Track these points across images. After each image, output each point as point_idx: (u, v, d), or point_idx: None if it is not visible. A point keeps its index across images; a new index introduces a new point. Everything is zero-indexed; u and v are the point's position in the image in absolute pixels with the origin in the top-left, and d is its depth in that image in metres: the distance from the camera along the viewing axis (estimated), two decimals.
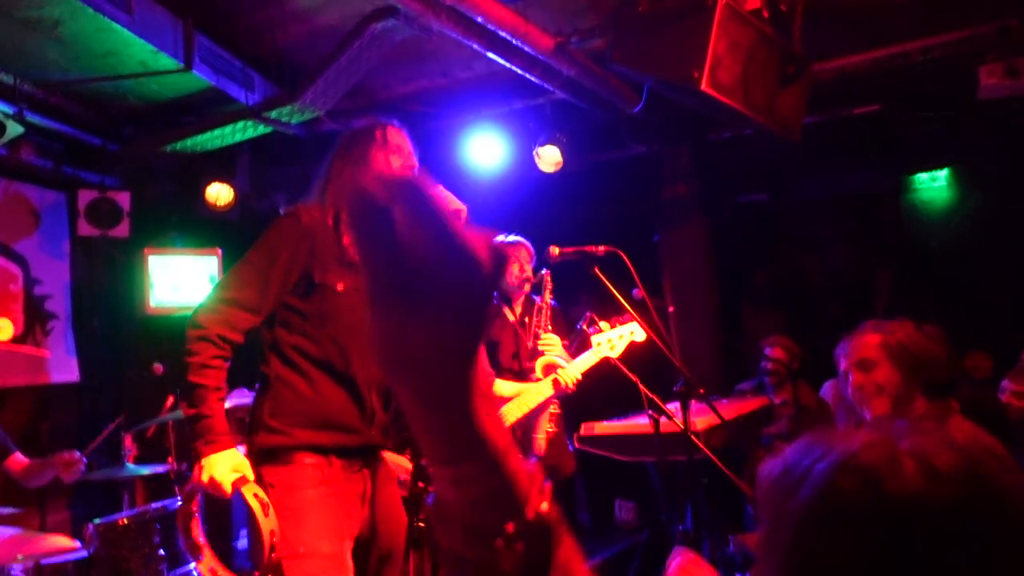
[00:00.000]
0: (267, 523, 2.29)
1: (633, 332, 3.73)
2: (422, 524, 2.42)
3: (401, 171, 2.69)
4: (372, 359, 2.50)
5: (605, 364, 3.63)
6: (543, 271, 3.61)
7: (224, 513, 5.14)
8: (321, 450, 2.50)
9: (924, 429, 0.83)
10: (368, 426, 2.59)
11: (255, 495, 2.32)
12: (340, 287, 2.56)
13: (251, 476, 2.35)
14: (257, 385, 2.59)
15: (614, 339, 3.62)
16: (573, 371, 3.58)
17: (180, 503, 2.61)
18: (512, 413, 3.44)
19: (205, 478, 2.32)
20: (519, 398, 3.49)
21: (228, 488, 2.32)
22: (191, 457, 2.42)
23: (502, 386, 3.62)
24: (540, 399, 3.53)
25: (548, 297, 3.73)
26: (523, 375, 3.57)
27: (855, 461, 0.80)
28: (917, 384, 2.23)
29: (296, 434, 2.48)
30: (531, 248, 4.02)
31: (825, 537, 0.79)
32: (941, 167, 6.57)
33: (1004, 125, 5.64)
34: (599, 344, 3.52)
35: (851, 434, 0.84)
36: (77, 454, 3.81)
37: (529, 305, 4.07)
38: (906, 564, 0.76)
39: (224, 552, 4.67)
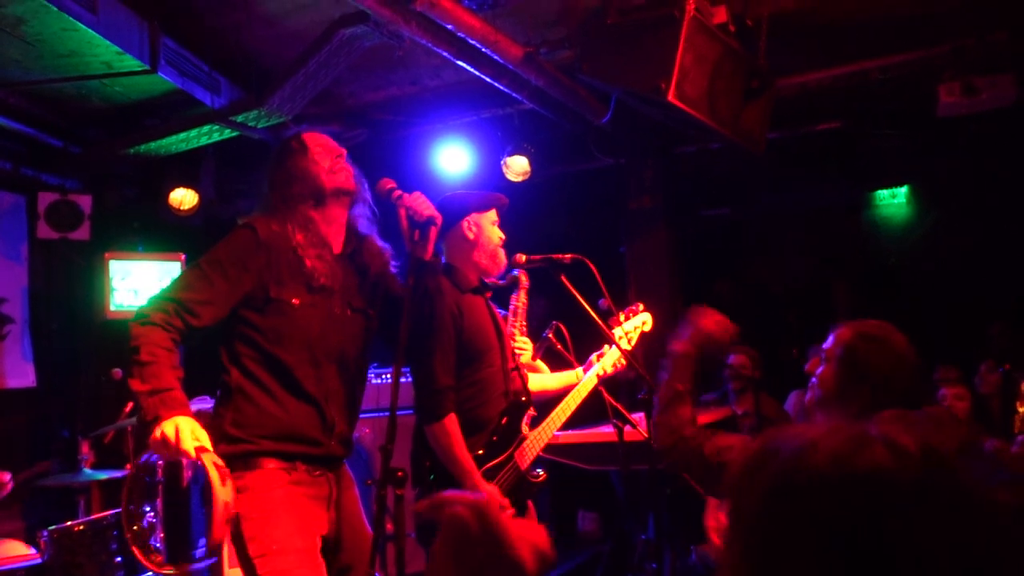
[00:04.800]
0: (223, 492, 2.20)
1: (645, 322, 3.64)
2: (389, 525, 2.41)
3: (333, 171, 2.71)
4: (329, 372, 2.49)
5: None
6: (515, 271, 3.53)
7: (182, 522, 5.06)
8: (286, 456, 2.51)
9: (889, 421, 0.88)
10: (328, 438, 2.61)
11: (215, 464, 2.24)
12: (296, 302, 2.57)
13: (210, 447, 2.28)
14: (218, 394, 2.57)
15: (630, 331, 3.57)
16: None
17: (130, 471, 2.53)
18: (560, 417, 3.37)
19: (171, 433, 2.21)
20: (569, 397, 3.39)
21: (191, 449, 2.22)
22: (144, 432, 2.30)
23: (545, 379, 3.49)
24: (582, 397, 3.43)
25: (523, 297, 3.65)
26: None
27: (825, 441, 0.84)
28: (861, 390, 2.25)
29: (259, 443, 2.49)
30: None
31: (791, 511, 0.82)
32: (900, 184, 6.70)
33: (961, 143, 5.78)
34: (620, 338, 3.46)
35: (819, 425, 0.87)
36: (7, 476, 3.74)
37: None
38: (872, 538, 0.78)
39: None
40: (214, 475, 2.21)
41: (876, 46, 5.00)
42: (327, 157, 2.73)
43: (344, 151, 2.79)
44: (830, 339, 2.32)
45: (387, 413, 2.32)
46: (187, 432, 2.24)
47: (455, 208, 3.31)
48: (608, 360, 3.47)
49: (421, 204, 2.62)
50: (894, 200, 6.82)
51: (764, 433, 0.91)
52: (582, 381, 3.42)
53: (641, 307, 3.68)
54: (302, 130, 2.82)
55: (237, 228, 2.63)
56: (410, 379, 3.03)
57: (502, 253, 3.30)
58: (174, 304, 2.44)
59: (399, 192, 2.66)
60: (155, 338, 2.37)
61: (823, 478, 0.81)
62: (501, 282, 3.47)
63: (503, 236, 3.33)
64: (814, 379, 2.36)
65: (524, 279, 3.58)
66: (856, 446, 0.82)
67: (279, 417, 2.51)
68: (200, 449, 2.25)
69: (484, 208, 3.30)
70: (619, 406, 3.45)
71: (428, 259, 2.66)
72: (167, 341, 2.39)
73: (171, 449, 2.23)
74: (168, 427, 2.23)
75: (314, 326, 2.59)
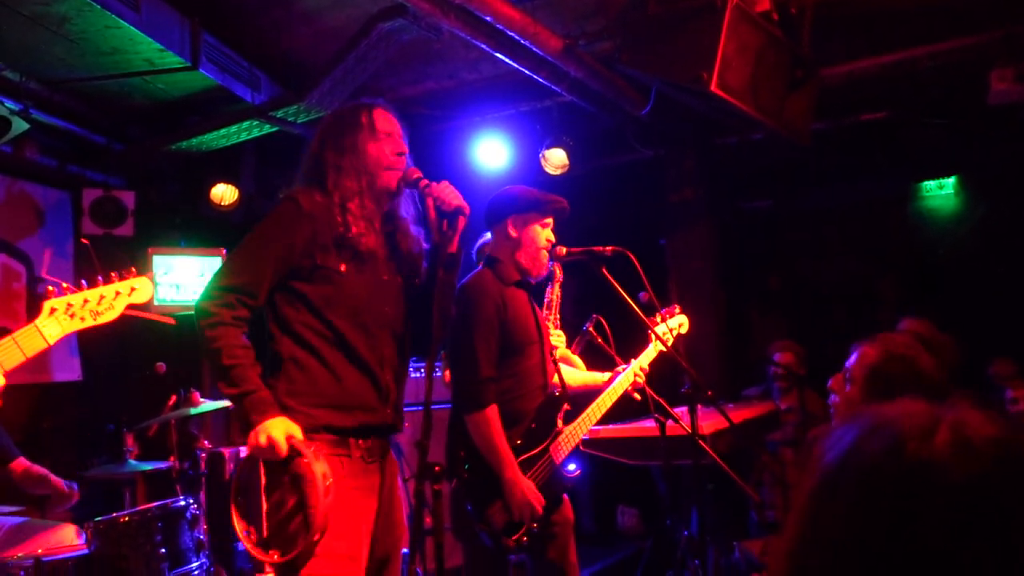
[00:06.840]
0: (319, 466, 2.38)
1: (682, 324, 3.66)
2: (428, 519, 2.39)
3: (393, 159, 2.66)
4: (381, 339, 2.47)
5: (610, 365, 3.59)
6: (551, 263, 3.50)
7: (225, 514, 5.12)
8: (341, 432, 2.48)
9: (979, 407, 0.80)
10: (384, 405, 2.59)
11: (307, 443, 2.41)
12: (343, 268, 2.55)
13: (301, 438, 2.40)
14: (268, 368, 2.56)
15: (667, 332, 3.57)
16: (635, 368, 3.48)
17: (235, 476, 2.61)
18: (595, 413, 3.37)
19: (263, 440, 2.33)
20: (604, 395, 3.39)
21: (284, 446, 2.35)
22: (243, 430, 2.42)
23: (571, 375, 3.50)
24: (617, 395, 3.43)
25: (557, 290, 3.62)
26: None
27: (890, 426, 0.78)
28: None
29: (315, 414, 2.46)
30: None
31: (841, 498, 0.77)
32: (948, 175, 6.54)
33: (1011, 132, 5.63)
34: (660, 335, 3.45)
35: (895, 406, 0.82)
36: (74, 487, 3.84)
37: None
38: (916, 532, 0.73)
39: (226, 553, 4.64)
40: (309, 454, 2.39)
41: (925, 33, 4.88)
42: (392, 146, 2.68)
43: (407, 149, 2.72)
44: (853, 357, 2.26)
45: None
46: (278, 434, 2.35)
47: (504, 205, 3.28)
48: (635, 368, 3.45)
49: (449, 194, 2.56)
50: (942, 191, 6.66)
51: (854, 415, 0.85)
52: (616, 380, 3.41)
53: (678, 309, 3.66)
54: (371, 104, 2.72)
55: (279, 202, 2.62)
56: (438, 374, 3.02)
57: (544, 256, 3.27)
58: (234, 294, 2.45)
59: (426, 181, 2.62)
60: (231, 339, 2.41)
61: (872, 468, 0.76)
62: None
63: (552, 239, 3.29)
64: (834, 397, 2.31)
65: (558, 272, 3.56)
66: (920, 433, 0.76)
67: (333, 384, 2.49)
68: (296, 443, 2.39)
69: (536, 212, 3.25)
70: (662, 400, 3.42)
71: (454, 251, 2.59)
72: (241, 338, 2.44)
73: (275, 454, 2.36)
74: (276, 433, 2.35)
75: (362, 292, 2.57)
